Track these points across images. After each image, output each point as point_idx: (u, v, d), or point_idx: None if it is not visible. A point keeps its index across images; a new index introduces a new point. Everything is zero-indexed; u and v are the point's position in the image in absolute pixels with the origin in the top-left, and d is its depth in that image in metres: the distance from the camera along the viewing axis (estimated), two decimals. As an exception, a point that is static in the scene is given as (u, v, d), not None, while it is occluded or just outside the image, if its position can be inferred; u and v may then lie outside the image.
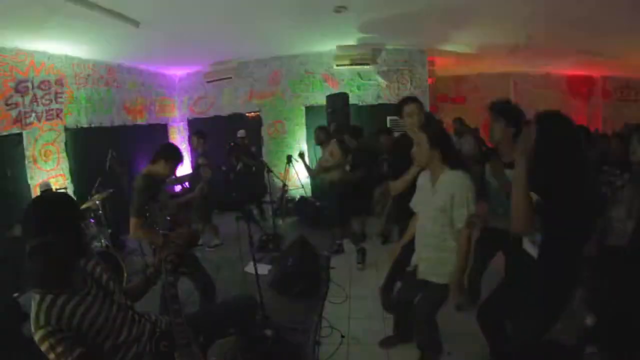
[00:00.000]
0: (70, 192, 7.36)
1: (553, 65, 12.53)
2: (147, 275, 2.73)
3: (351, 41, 9.66)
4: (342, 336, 4.58)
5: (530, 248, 2.84)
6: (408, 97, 4.36)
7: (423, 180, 3.52)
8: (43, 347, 1.94)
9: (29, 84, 7.43)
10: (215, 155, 9.01)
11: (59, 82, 8.10)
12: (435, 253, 3.33)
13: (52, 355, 1.94)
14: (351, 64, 10.16)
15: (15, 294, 5.45)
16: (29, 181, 7.34)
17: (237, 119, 11.47)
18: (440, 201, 3.19)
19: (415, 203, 3.64)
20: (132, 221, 4.03)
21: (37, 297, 2.01)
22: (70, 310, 2.03)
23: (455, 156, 3.38)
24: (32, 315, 1.98)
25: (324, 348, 4.18)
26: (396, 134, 7.67)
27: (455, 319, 4.61)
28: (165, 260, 2.46)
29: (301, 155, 7.84)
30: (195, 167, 7.88)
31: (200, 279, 4.47)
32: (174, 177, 6.18)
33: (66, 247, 2.06)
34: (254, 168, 9.49)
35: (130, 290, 2.68)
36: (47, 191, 6.47)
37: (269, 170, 7.34)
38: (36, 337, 1.95)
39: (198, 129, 9.08)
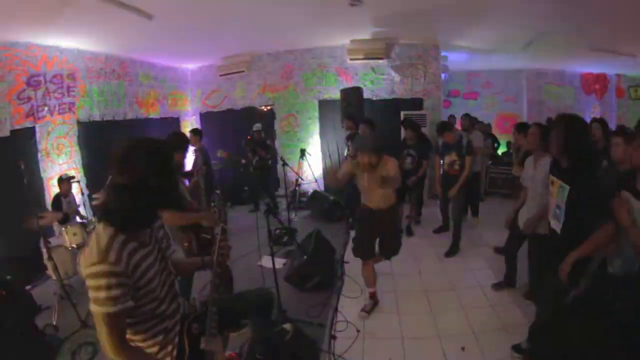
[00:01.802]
0: (83, 185, 7.31)
1: (567, 62, 12.35)
2: (203, 261, 2.68)
3: (365, 35, 9.60)
4: (358, 330, 4.57)
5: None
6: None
7: (528, 162, 4.63)
8: (95, 282, 1.78)
9: (42, 78, 7.39)
10: (233, 149, 9.50)
11: (71, 76, 8.07)
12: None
13: (101, 294, 1.77)
14: (365, 58, 10.10)
15: (28, 287, 5.48)
16: (42, 174, 7.31)
17: (250, 113, 11.53)
18: (539, 176, 4.19)
19: (524, 177, 4.67)
20: None
21: (111, 229, 1.88)
22: (137, 260, 1.92)
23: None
24: (101, 245, 1.81)
25: (339, 342, 4.24)
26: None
27: (478, 317, 4.65)
28: (220, 251, 2.45)
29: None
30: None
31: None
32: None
33: (166, 192, 2.01)
34: (270, 161, 9.53)
35: (175, 265, 2.55)
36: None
37: (285, 164, 7.26)
38: (93, 269, 1.79)
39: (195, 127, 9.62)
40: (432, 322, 4.68)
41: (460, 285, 5.66)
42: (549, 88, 13.61)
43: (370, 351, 4.25)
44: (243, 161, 9.51)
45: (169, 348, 2.20)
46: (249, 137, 9.64)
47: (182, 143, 4.79)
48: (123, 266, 1.82)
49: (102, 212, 1.97)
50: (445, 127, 7.00)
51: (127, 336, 2.01)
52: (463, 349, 4.06)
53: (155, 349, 2.14)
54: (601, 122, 6.03)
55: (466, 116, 8.72)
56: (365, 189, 4.90)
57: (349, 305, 5.16)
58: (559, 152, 3.25)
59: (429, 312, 4.96)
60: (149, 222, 2.06)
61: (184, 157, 4.59)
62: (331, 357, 4.05)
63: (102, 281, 1.77)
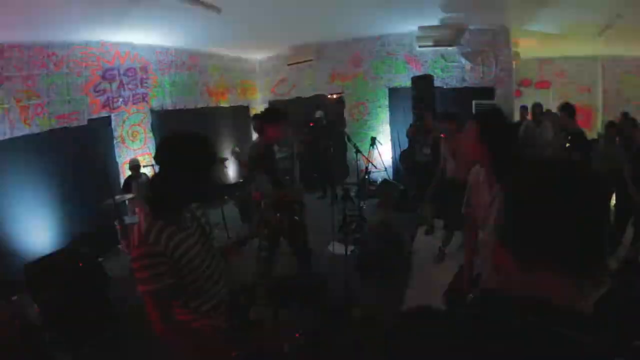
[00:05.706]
0: (156, 169, 7.66)
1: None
2: (240, 238, 2.84)
3: (433, 21, 9.37)
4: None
5: None
6: None
7: None
8: (137, 264, 1.98)
9: (116, 72, 8.03)
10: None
11: (144, 69, 8.72)
12: None
13: (143, 274, 1.97)
14: (434, 45, 9.88)
15: (100, 258, 5.86)
16: (117, 159, 7.98)
17: (319, 101, 11.54)
18: None
19: None
20: None
21: (151, 216, 2.07)
22: (176, 242, 2.07)
23: None
24: (142, 229, 2.01)
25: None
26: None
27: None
28: (265, 223, 2.48)
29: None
30: None
31: (301, 244, 4.56)
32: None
33: (191, 189, 2.13)
34: (332, 149, 9.53)
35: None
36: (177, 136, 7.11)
37: (358, 151, 7.15)
38: (136, 252, 1.99)
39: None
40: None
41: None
42: (628, 78, 12.56)
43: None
44: (331, 143, 9.53)
45: (218, 322, 2.33)
46: (311, 123, 9.72)
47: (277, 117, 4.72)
48: (162, 247, 2.00)
49: (145, 200, 2.17)
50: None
51: (181, 315, 2.23)
52: None
53: (205, 323, 2.28)
54: None
55: (537, 106, 8.15)
56: None
57: (413, 297, 5.11)
58: None
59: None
60: (180, 207, 2.20)
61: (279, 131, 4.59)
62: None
63: (145, 261, 1.97)
